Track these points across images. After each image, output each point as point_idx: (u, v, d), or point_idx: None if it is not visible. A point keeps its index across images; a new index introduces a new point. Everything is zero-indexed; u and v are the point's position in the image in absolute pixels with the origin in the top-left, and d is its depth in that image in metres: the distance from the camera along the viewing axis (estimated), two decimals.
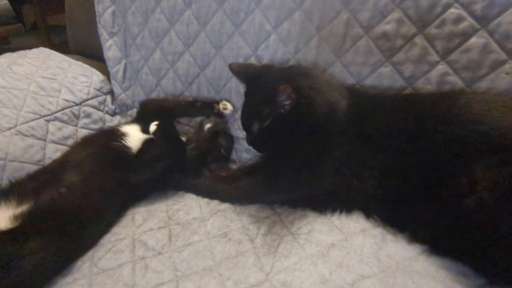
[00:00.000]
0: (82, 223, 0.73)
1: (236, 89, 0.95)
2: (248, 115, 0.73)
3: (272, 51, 0.89)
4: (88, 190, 0.77)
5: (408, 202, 0.60)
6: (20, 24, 1.69)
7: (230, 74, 0.96)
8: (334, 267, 0.57)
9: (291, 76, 0.69)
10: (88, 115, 1.12)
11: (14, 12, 1.76)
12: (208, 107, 0.98)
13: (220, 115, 0.97)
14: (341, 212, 0.69)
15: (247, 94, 0.75)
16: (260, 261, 0.63)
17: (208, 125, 0.95)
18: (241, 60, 0.92)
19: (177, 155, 0.85)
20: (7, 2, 1.62)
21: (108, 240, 0.76)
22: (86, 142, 0.93)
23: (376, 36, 0.77)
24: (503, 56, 0.66)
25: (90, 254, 0.72)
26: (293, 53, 0.87)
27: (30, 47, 1.20)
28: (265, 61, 0.89)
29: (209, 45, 0.98)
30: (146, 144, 0.88)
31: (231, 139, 0.99)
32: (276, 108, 0.63)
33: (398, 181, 0.61)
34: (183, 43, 1.02)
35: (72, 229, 0.71)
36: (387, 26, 0.76)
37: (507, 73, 0.66)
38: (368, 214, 0.67)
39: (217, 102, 0.97)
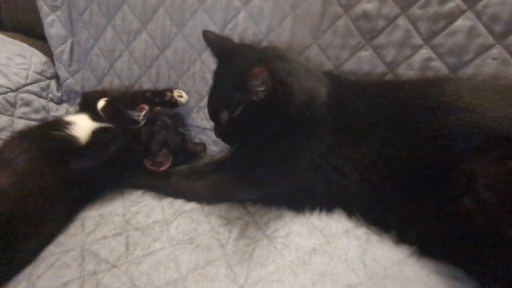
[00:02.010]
0: (16, 234, 0.61)
1: (201, 73, 0.85)
2: (217, 102, 0.63)
3: (241, 30, 0.79)
4: (24, 194, 0.64)
5: (394, 199, 0.54)
6: None
7: (194, 56, 0.85)
8: (318, 277, 0.50)
9: (267, 58, 0.60)
10: (27, 103, 0.96)
11: None
12: (158, 96, 0.86)
13: (172, 104, 0.86)
14: (321, 211, 0.63)
15: (217, 75, 0.64)
16: (232, 271, 0.55)
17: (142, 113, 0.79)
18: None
19: (128, 139, 0.73)
20: None
21: (51, 252, 0.64)
22: (22, 135, 0.78)
23: (356, 16, 0.71)
24: (490, 40, 0.62)
25: (27, 271, 0.60)
26: (265, 33, 0.77)
27: None
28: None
29: (170, 23, 0.85)
30: (96, 133, 0.75)
31: (179, 135, 0.83)
32: (248, 95, 0.54)
33: (383, 176, 0.55)
34: (139, 20, 0.89)
35: (3, 242, 0.59)
36: (368, 5, 0.69)
37: (493, 59, 0.62)
38: (350, 212, 0.61)
39: (171, 90, 0.86)
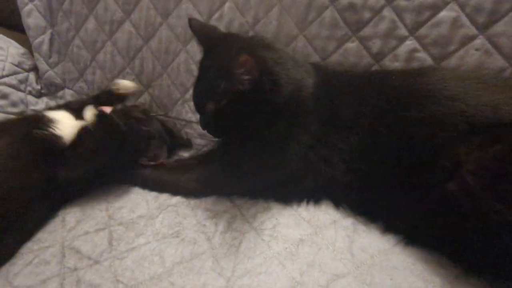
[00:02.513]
0: None
1: (186, 64, 0.83)
2: (202, 93, 0.62)
3: (227, 21, 0.77)
4: (4, 191, 0.61)
5: (381, 188, 0.54)
6: None
7: (179, 47, 0.83)
8: (305, 267, 0.50)
9: (254, 47, 0.59)
10: (4, 96, 0.92)
11: None
12: (109, 94, 0.82)
13: (120, 99, 0.82)
14: (308, 202, 0.63)
15: (202, 65, 0.63)
16: (219, 264, 0.54)
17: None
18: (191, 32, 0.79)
19: (115, 144, 0.70)
20: None
21: (29, 249, 0.62)
22: (1, 129, 0.74)
23: (343, 7, 0.70)
24: (473, 31, 0.62)
25: (4, 269, 0.57)
26: (252, 24, 0.76)
27: None
28: None
29: (154, 13, 0.83)
30: (82, 134, 0.72)
31: (154, 120, 0.81)
32: (234, 84, 0.53)
33: (370, 166, 0.55)
34: (122, 10, 0.86)
35: None
36: None
37: (476, 49, 0.62)
38: (338, 203, 0.61)
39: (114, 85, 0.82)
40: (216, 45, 0.61)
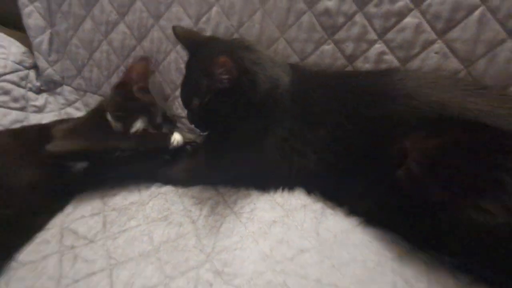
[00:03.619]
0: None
1: (176, 63, 0.89)
2: (188, 90, 0.68)
3: (214, 24, 0.84)
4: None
5: (346, 176, 0.61)
6: None
7: (170, 47, 0.89)
8: (275, 244, 0.57)
9: (234, 48, 0.65)
10: (6, 92, 0.98)
11: None
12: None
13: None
14: (283, 189, 0.69)
15: (188, 65, 0.69)
16: (201, 242, 0.61)
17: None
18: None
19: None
20: None
21: None
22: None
23: (319, 12, 0.77)
24: (433, 36, 0.69)
25: None
26: (237, 27, 0.83)
27: None
28: (207, 34, 0.84)
29: (146, 15, 0.89)
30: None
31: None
32: (214, 83, 0.59)
33: (336, 156, 0.62)
34: (117, 12, 0.93)
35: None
36: (329, 3, 0.75)
37: (436, 52, 0.69)
38: (309, 190, 0.68)
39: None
40: (199, 48, 0.67)
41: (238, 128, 0.68)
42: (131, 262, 0.59)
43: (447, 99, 0.56)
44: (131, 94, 0.81)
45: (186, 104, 0.71)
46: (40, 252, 0.63)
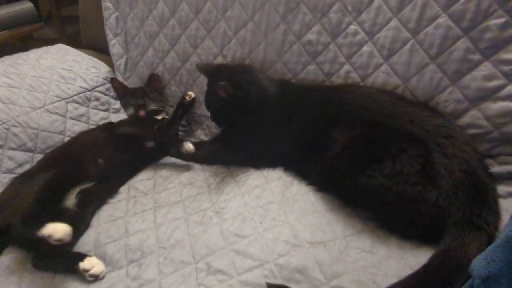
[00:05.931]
0: None
1: (204, 80, 1.25)
2: (208, 101, 1.04)
3: (233, 51, 1.18)
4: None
5: (304, 157, 0.90)
6: (42, 23, 1.98)
7: None
8: (254, 198, 0.88)
9: (233, 74, 0.99)
10: (97, 99, 1.42)
11: (31, 2, 2.01)
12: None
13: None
14: (270, 168, 1.00)
15: (208, 85, 1.05)
16: (211, 197, 0.95)
17: None
18: (211, 58, 1.22)
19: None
20: (31, 4, 1.91)
21: None
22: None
23: (305, 43, 1.06)
24: (381, 60, 0.94)
25: None
26: (248, 53, 1.16)
27: (47, 39, 1.51)
28: (229, 59, 1.19)
29: (188, 45, 1.27)
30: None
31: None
32: (218, 97, 0.93)
33: (299, 144, 0.91)
34: (169, 43, 1.32)
35: None
36: (311, 36, 1.04)
37: (383, 72, 0.94)
38: (286, 168, 0.97)
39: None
40: (212, 74, 1.03)
41: (240, 124, 1.00)
42: (167, 206, 0.95)
43: (369, 105, 0.82)
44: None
45: (208, 108, 1.06)
46: (117, 197, 1.02)
